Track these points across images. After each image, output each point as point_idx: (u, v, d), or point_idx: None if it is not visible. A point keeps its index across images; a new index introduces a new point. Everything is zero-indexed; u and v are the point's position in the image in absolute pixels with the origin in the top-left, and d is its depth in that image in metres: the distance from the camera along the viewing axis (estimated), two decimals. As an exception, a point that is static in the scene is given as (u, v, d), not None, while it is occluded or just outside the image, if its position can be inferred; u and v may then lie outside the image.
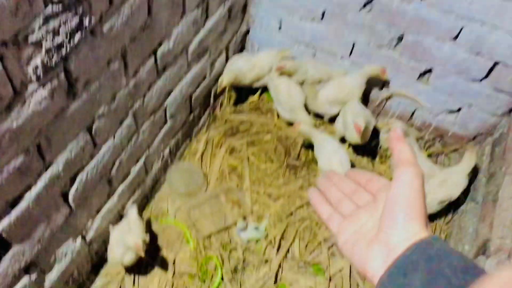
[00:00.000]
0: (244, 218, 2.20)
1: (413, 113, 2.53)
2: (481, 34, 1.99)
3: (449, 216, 2.26)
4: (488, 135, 2.38)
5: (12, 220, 1.27)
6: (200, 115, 2.48)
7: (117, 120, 1.66)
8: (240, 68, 2.48)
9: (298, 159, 2.50)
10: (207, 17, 2.07)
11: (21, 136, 1.18)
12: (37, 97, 1.18)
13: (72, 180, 1.52)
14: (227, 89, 2.68)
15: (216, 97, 2.61)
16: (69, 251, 1.66)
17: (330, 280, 2.05)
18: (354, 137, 2.25)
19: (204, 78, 2.34)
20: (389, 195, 0.54)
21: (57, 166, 1.39)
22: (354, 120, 2.19)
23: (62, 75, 1.24)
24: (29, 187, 1.31)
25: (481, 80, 2.18)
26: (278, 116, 2.64)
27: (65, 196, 1.52)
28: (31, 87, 1.15)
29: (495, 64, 2.07)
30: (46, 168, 1.35)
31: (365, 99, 2.53)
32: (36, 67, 1.12)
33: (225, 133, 2.59)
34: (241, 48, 2.74)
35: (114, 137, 1.67)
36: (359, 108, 2.31)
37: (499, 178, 2.00)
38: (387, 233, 0.53)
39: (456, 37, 2.06)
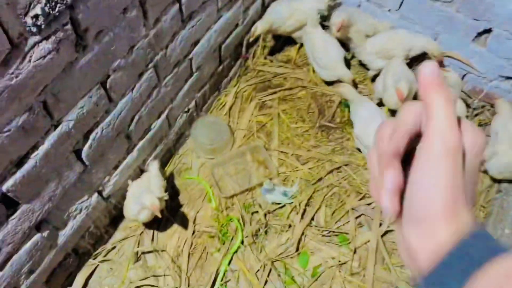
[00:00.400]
0: (271, 179, 2.09)
1: (463, 77, 2.28)
2: (557, -9, 1.71)
3: (491, 194, 2.08)
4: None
5: (17, 179, 1.20)
6: (230, 66, 2.33)
7: (136, 74, 1.53)
8: (279, 14, 2.27)
9: (333, 120, 2.33)
10: (241, -42, 1.87)
11: (23, 93, 1.07)
12: (40, 51, 1.06)
13: (86, 137, 1.43)
14: (261, 38, 2.49)
15: (249, 46, 2.43)
16: (83, 207, 1.61)
17: (354, 252, 1.94)
18: (393, 102, 2.05)
19: (236, 26, 2.16)
20: (413, 180, 0.40)
21: (67, 123, 1.29)
22: (397, 84, 1.98)
23: (69, 26, 1.11)
24: (35, 146, 1.22)
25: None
26: (313, 71, 2.45)
27: (78, 153, 1.43)
28: (32, 39, 1.02)
29: None
30: (55, 126, 1.26)
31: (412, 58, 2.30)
32: (36, 17, 0.99)
33: (256, 86, 2.44)
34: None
35: (132, 91, 1.55)
36: (401, 69, 2.09)
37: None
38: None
39: (526, -7, 1.78)
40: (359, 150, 2.18)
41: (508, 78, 2.13)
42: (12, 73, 1.01)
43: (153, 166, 1.87)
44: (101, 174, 1.63)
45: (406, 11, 2.16)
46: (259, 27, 2.20)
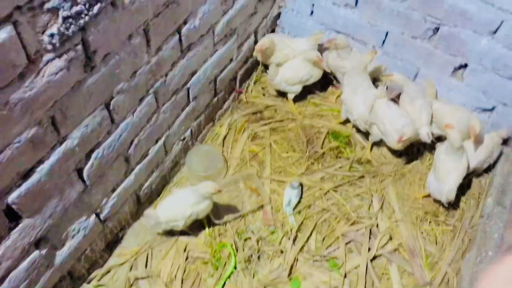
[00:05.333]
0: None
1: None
2: (524, 28, 1.87)
3: (475, 220, 2.15)
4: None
5: (22, 192, 1.25)
6: (224, 98, 2.43)
7: (137, 98, 1.62)
8: (275, 40, 2.43)
9: (322, 149, 2.43)
10: (236, -3, 2.01)
11: (34, 107, 1.15)
12: (53, 67, 1.14)
13: (88, 156, 1.50)
14: (255, 74, 2.63)
15: (242, 81, 2.55)
16: (81, 228, 1.65)
17: (345, 276, 1.98)
18: (397, 145, 2.23)
19: (231, 61, 2.29)
20: None
21: (72, 140, 1.36)
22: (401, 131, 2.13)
23: (80, 46, 1.20)
24: (41, 160, 1.28)
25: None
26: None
27: (80, 172, 1.49)
28: (47, 56, 1.11)
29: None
30: (61, 142, 1.33)
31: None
32: (52, 36, 1.09)
33: (249, 118, 2.54)
34: (271, 32, 2.66)
35: (133, 115, 1.64)
36: (395, 110, 2.23)
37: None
38: None
39: (496, 31, 1.94)
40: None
41: (484, 110, 2.27)
42: (27, 87, 1.09)
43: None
44: (99, 195, 1.68)
45: (389, 47, 2.32)
46: (266, 41, 2.35)
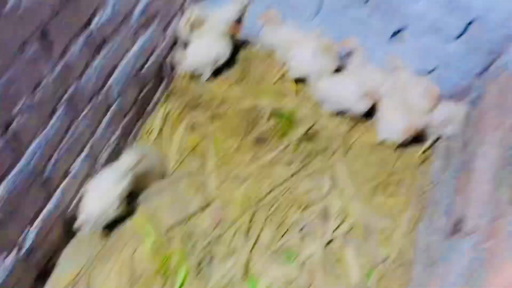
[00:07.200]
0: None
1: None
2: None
3: (425, 186, 2.13)
4: (463, 97, 2.20)
5: None
6: (155, 88, 2.20)
7: (46, 112, 1.37)
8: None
9: (267, 131, 2.28)
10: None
11: None
12: None
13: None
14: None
15: (173, 67, 2.32)
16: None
17: (302, 265, 1.89)
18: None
19: (156, 47, 2.05)
20: None
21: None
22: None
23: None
24: None
25: (456, 38, 2.01)
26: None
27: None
28: None
29: (471, 21, 1.92)
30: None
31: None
32: None
33: (185, 106, 2.33)
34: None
35: (43, 132, 1.39)
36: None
37: (475, 145, 1.83)
38: None
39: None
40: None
41: (426, 72, 2.20)
42: None
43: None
44: (17, 228, 1.45)
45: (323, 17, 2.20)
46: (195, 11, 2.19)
